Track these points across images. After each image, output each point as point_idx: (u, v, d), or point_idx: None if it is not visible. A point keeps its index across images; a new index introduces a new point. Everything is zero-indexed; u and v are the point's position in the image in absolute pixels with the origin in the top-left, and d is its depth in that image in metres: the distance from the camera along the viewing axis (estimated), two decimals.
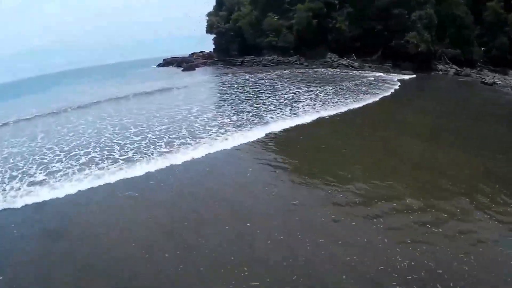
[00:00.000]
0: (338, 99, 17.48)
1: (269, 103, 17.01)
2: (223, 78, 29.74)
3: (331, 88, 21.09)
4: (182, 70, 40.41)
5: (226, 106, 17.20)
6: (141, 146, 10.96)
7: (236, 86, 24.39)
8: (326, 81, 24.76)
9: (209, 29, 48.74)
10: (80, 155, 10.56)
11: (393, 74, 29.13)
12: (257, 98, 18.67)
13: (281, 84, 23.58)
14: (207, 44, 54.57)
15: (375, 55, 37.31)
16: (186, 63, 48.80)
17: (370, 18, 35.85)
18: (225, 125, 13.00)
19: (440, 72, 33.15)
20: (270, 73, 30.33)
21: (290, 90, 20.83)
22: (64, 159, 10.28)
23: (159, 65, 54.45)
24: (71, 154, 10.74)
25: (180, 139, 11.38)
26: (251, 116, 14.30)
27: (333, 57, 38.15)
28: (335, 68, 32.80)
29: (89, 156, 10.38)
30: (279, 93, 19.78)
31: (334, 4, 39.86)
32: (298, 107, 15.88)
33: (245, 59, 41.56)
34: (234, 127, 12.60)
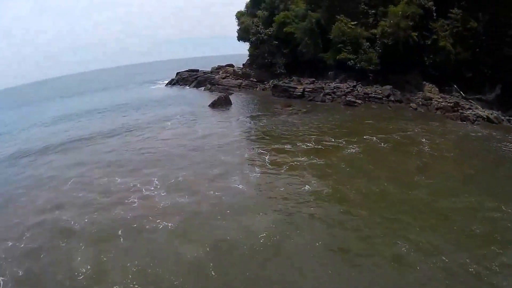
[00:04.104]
0: None
1: None
2: None
3: None
4: (211, 106, 26.61)
5: None
6: None
7: None
8: None
9: (242, 35, 34.99)
10: None
11: None
12: None
13: None
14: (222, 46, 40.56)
15: (491, 92, 24.64)
16: (211, 84, 35.13)
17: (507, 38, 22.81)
18: None
19: None
20: None
21: None
22: None
23: (170, 83, 40.17)
24: None
25: None
26: None
27: (433, 90, 25.43)
28: (473, 124, 20.24)
29: None
30: None
31: (430, 10, 26.49)
32: None
33: (306, 87, 28.29)
34: None
